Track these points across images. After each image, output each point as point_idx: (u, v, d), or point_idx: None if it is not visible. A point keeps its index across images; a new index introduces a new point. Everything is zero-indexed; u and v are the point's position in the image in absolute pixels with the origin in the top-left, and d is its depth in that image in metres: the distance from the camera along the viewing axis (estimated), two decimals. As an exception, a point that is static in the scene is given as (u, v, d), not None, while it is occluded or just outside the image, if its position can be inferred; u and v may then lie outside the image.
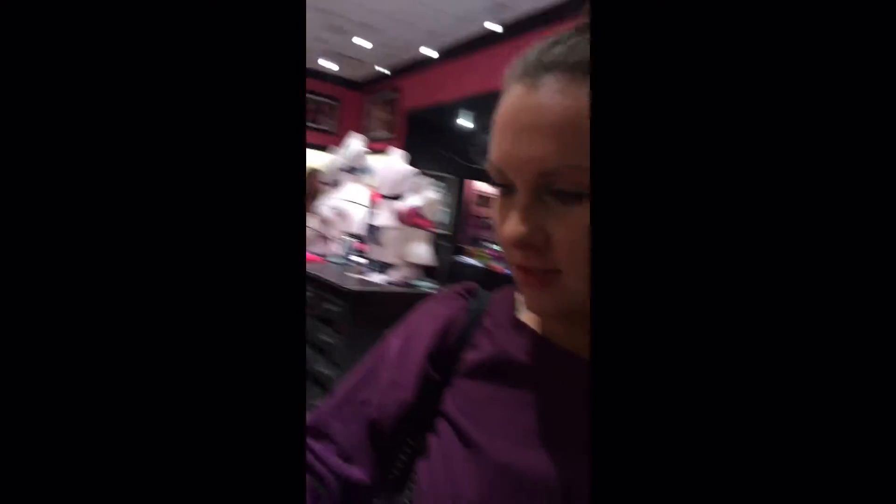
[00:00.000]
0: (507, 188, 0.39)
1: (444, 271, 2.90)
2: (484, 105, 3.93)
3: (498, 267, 4.02)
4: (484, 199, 6.73)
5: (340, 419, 0.46)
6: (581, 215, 0.35)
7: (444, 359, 0.46)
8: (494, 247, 4.61)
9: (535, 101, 0.35)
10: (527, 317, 0.46)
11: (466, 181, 5.84)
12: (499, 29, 3.68)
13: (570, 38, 0.37)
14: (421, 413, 0.45)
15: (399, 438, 0.45)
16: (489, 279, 3.28)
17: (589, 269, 0.29)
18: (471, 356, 0.46)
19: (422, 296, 0.67)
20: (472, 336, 0.47)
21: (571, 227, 0.36)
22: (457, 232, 5.65)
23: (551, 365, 0.43)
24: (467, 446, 0.42)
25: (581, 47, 0.36)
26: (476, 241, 5.62)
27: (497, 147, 0.38)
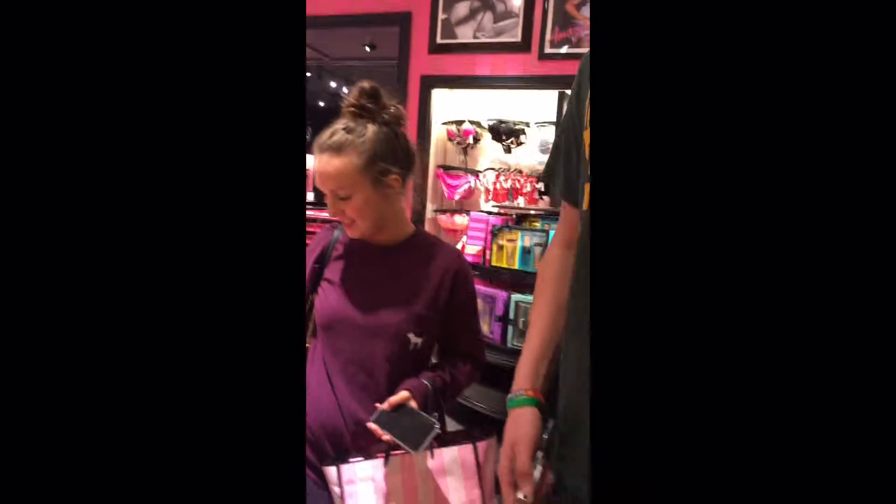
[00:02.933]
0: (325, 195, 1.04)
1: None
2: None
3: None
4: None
5: None
6: (352, 203, 1.02)
7: (322, 257, 1.15)
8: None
9: (322, 164, 1.01)
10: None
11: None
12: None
13: (333, 134, 1.01)
14: (316, 281, 1.13)
15: (309, 293, 1.14)
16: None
17: (370, 220, 1.05)
18: (334, 253, 1.14)
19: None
20: (335, 245, 1.15)
21: (351, 207, 1.03)
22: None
23: (364, 249, 1.12)
24: (333, 285, 1.11)
25: (337, 138, 1.00)
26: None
27: (316, 181, 1.04)
